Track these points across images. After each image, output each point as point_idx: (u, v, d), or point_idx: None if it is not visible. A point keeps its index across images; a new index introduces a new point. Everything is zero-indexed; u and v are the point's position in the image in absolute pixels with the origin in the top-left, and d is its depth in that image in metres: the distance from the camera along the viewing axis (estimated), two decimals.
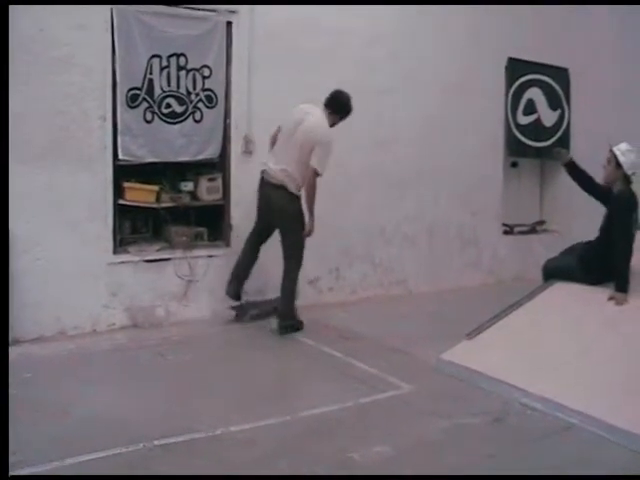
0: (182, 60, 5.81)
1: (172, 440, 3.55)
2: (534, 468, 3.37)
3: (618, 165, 5.04)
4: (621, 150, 5.04)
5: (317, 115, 5.58)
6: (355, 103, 6.30)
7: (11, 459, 3.13)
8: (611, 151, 5.07)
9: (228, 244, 6.11)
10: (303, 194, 5.56)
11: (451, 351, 4.80)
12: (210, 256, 5.97)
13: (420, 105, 7.01)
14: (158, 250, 5.81)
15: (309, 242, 6.32)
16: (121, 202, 5.65)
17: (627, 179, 5.07)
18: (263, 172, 5.66)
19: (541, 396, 4.08)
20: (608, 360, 4.30)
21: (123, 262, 5.60)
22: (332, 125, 5.66)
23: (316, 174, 5.48)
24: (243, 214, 6.11)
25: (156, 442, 3.51)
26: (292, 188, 5.55)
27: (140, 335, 5.43)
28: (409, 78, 6.94)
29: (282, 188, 5.54)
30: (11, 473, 3.09)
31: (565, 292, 5.25)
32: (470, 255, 7.44)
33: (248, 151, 6.15)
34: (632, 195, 5.10)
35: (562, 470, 3.36)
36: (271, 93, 6.15)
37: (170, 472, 3.23)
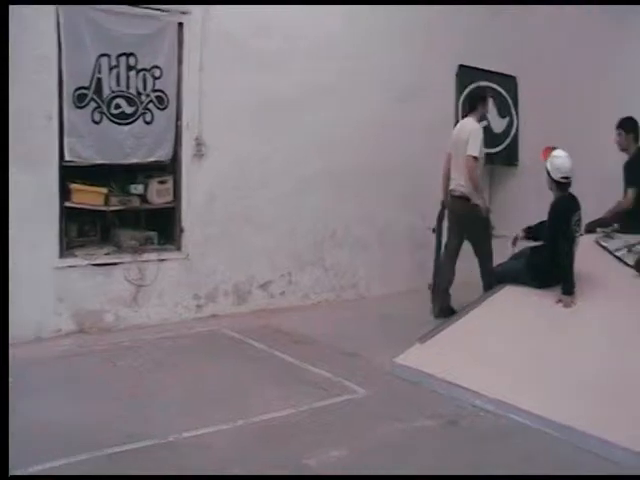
0: (132, 60, 5.70)
1: (123, 448, 3.47)
2: (487, 467, 3.41)
3: (548, 173, 5.20)
4: (550, 157, 5.22)
5: (462, 122, 6.51)
6: (306, 105, 6.31)
7: None
8: None
9: (179, 248, 6.01)
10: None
11: (405, 355, 4.81)
12: (161, 260, 5.86)
13: (371, 108, 7.03)
14: (107, 254, 5.68)
15: (261, 246, 6.32)
16: (68, 204, 5.50)
17: (560, 185, 5.20)
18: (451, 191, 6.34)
19: (493, 398, 4.13)
20: (558, 361, 4.38)
21: (70, 266, 5.44)
22: (481, 119, 6.53)
23: (474, 159, 6.05)
24: (194, 217, 6.04)
25: (107, 450, 3.42)
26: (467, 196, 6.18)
27: (88, 341, 5.29)
28: (360, 80, 6.95)
29: (462, 198, 6.21)
30: None
31: (514, 296, 5.33)
32: (421, 258, 7.47)
33: (199, 154, 6.06)
34: (569, 200, 5.22)
35: (514, 468, 3.40)
36: (223, 95, 6.09)
37: None
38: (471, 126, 6.21)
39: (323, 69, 6.67)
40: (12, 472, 3.15)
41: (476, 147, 6.07)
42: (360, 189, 7.06)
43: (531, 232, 5.57)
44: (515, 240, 5.58)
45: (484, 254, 6.29)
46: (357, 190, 7.04)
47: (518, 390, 4.15)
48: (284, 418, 3.94)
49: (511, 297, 5.33)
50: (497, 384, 4.24)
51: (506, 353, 4.58)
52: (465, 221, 6.31)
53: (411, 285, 7.00)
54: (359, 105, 6.94)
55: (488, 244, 6.36)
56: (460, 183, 6.19)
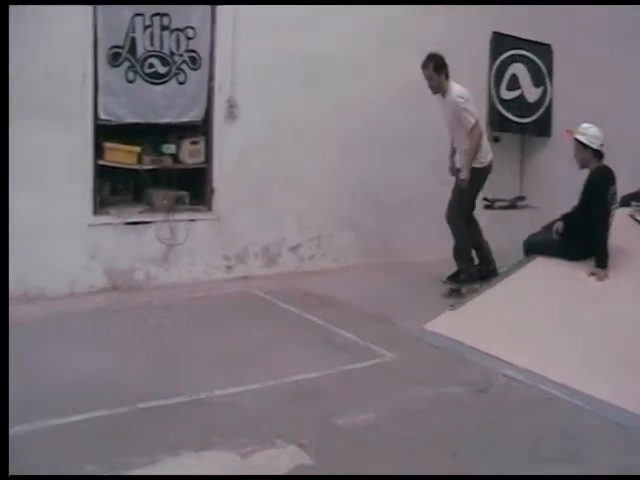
0: (166, 20, 5.69)
1: (156, 403, 3.52)
2: (516, 436, 3.41)
3: (584, 146, 5.10)
4: (580, 131, 5.12)
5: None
6: (342, 70, 6.22)
7: None
8: (573, 139, 5.14)
9: (210, 209, 6.04)
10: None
11: (435, 321, 4.81)
12: (192, 220, 5.89)
13: (401, 73, 6.90)
14: (140, 213, 5.72)
15: (292, 208, 6.33)
16: (101, 163, 5.53)
17: (598, 155, 5.12)
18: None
19: (524, 368, 4.11)
20: (588, 334, 4.35)
21: (103, 224, 5.50)
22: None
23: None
24: (225, 178, 6.05)
25: (140, 405, 3.47)
26: None
27: (120, 298, 5.35)
28: (394, 47, 6.84)
29: None
30: None
31: (546, 267, 5.30)
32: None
33: (231, 115, 6.05)
34: (606, 172, 5.15)
35: (543, 438, 3.39)
36: (256, 56, 6.03)
37: (155, 435, 3.20)
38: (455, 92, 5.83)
39: (352, 35, 6.57)
40: (51, 420, 3.26)
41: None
42: (392, 155, 6.97)
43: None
44: (557, 232, 5.42)
45: None
46: (389, 156, 6.96)
47: (548, 361, 4.13)
48: (313, 380, 3.96)
49: (542, 268, 5.30)
50: (527, 354, 4.22)
51: (537, 324, 4.56)
52: None
53: (440, 254, 6.94)
54: (393, 72, 6.83)
55: None
56: None
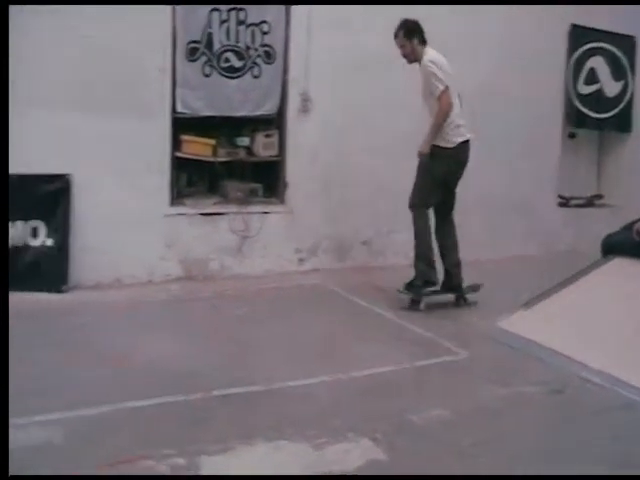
0: (242, 14, 5.77)
1: (230, 391, 3.57)
2: (595, 439, 3.30)
3: None
4: None
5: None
6: (408, 68, 6.19)
7: (69, 399, 3.25)
8: None
9: (283, 202, 6.10)
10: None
11: (508, 320, 4.72)
12: (265, 212, 5.98)
13: (475, 70, 6.76)
14: (214, 204, 5.83)
15: (363, 203, 6.30)
16: (178, 155, 5.66)
17: None
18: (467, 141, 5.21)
19: (601, 371, 3.97)
20: None
21: (179, 214, 5.64)
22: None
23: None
24: (298, 172, 6.09)
25: (215, 392, 3.53)
26: None
27: (195, 287, 5.48)
28: (465, 43, 6.71)
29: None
30: (69, 414, 3.15)
31: (625, 267, 5.11)
32: (525, 225, 7.27)
33: (305, 109, 6.08)
34: None
35: (622, 443, 3.28)
36: (329, 52, 6.04)
37: (229, 423, 3.24)
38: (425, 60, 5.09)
39: (432, 33, 6.48)
40: (127, 402, 3.35)
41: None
42: None
43: None
44: (637, 233, 5.20)
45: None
46: None
47: (627, 365, 3.98)
48: (386, 374, 3.94)
49: (621, 268, 5.12)
50: (605, 357, 4.07)
51: (614, 325, 4.40)
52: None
53: (513, 252, 6.83)
54: (462, 68, 6.68)
55: None
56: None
